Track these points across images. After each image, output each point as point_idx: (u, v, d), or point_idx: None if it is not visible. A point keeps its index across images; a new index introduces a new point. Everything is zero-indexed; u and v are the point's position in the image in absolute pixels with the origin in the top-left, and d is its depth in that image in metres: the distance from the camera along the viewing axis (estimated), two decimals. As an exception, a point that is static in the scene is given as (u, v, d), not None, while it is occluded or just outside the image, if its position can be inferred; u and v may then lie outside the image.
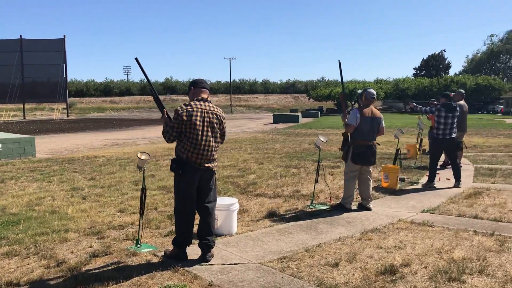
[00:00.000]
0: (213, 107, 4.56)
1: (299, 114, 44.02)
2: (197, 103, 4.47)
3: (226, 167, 11.19)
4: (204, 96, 4.55)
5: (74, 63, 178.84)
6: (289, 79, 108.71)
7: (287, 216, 6.25)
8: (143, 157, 4.79)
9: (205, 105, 4.50)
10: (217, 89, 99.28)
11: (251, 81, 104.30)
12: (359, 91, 6.71)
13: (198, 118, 4.40)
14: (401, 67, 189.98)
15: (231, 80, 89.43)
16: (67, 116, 62.13)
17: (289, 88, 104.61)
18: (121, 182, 9.15)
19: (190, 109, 4.39)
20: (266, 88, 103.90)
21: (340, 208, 6.59)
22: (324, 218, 6.08)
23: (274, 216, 6.26)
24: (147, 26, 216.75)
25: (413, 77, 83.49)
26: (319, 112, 55.04)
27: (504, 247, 4.72)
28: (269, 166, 11.28)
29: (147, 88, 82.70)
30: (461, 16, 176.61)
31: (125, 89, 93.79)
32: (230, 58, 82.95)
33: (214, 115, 4.55)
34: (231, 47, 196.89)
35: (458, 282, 3.84)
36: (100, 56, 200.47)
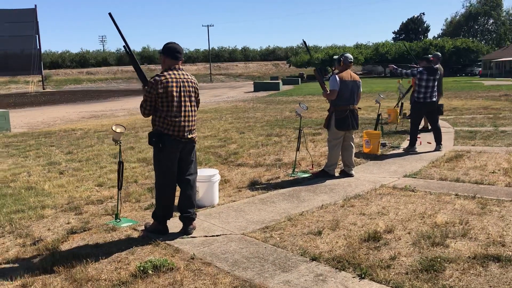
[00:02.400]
0: (187, 75, 4.38)
1: (280, 81, 43.60)
2: (170, 72, 4.26)
3: (207, 137, 11.05)
4: (177, 65, 4.34)
5: (48, 34, 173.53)
6: (269, 46, 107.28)
7: (269, 185, 6.18)
8: (118, 130, 4.61)
9: (179, 74, 4.30)
10: (195, 57, 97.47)
11: (230, 48, 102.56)
12: (335, 56, 6.64)
13: (175, 88, 4.21)
14: (380, 31, 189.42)
15: (210, 48, 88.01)
16: (43, 89, 60.53)
17: (269, 55, 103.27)
18: (100, 156, 8.95)
19: (165, 80, 4.18)
20: (246, 55, 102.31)
21: (323, 175, 6.54)
22: (306, 186, 6.03)
23: (256, 185, 6.19)
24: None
25: (392, 41, 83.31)
26: (299, 79, 54.67)
27: (485, 209, 4.74)
28: (250, 135, 11.17)
29: (123, 57, 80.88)
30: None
31: (101, 60, 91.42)
32: (208, 25, 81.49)
33: (190, 83, 4.37)
34: (209, 13, 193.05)
35: (441, 246, 3.83)
36: (74, 26, 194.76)
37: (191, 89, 4.38)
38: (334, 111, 6.36)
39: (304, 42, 6.87)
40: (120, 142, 4.70)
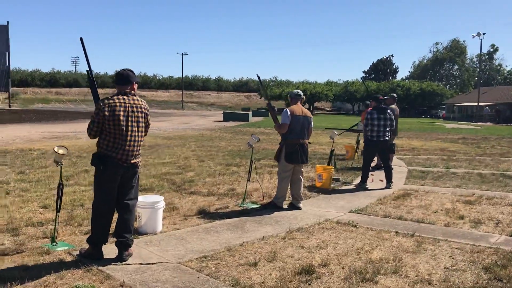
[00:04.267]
0: (138, 100, 4.44)
1: (250, 112, 44.12)
2: (120, 97, 4.33)
3: (166, 164, 10.99)
4: (129, 90, 4.40)
5: (19, 51, 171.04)
6: (242, 77, 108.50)
7: (217, 214, 6.18)
8: (60, 152, 4.58)
9: (129, 99, 4.36)
10: (168, 84, 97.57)
11: (204, 77, 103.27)
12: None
13: (122, 113, 4.26)
14: (351, 69, 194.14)
15: (183, 76, 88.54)
16: (9, 107, 59.22)
17: (242, 86, 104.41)
18: (52, 177, 8.76)
19: (113, 104, 4.25)
20: (219, 85, 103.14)
21: (272, 206, 6.60)
22: (253, 217, 6.06)
23: (203, 214, 6.17)
24: (96, 17, 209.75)
25: (362, 80, 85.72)
26: (270, 111, 55.36)
27: (421, 248, 4.86)
28: (210, 163, 11.18)
29: (95, 79, 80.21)
30: (409, 22, 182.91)
31: (72, 81, 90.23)
32: (182, 54, 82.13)
33: (139, 109, 4.43)
34: (184, 42, 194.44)
35: (371, 282, 3.90)
36: (47, 46, 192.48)
37: (139, 114, 4.43)
38: (285, 144, 6.49)
39: (258, 77, 7.10)
40: (61, 164, 4.66)
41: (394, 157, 11.62)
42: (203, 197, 7.32)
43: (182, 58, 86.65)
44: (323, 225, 5.72)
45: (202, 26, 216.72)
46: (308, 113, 6.64)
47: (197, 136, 20.38)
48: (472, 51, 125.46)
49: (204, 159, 12.07)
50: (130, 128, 4.32)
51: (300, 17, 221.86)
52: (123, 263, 4.25)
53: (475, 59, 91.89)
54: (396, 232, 5.44)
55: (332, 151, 9.08)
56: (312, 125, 6.71)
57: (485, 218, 6.14)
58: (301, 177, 6.70)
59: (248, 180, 7.05)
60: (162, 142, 16.57)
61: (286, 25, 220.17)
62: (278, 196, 6.62)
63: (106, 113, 4.20)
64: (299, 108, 6.55)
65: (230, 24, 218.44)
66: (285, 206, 6.63)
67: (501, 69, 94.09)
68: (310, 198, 7.38)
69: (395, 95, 10.54)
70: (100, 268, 4.09)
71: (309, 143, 6.74)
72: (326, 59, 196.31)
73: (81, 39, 4.50)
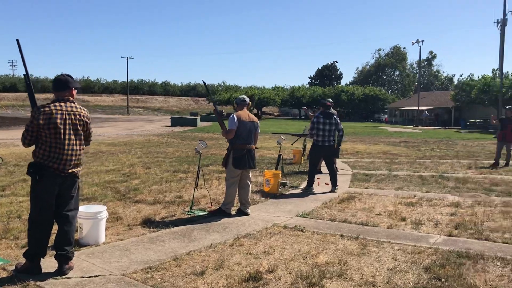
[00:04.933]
0: (76, 107, 4.26)
1: (198, 117, 43.75)
2: (57, 104, 4.15)
3: (109, 171, 10.67)
4: (65, 96, 4.23)
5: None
6: (190, 82, 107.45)
7: (163, 223, 6.04)
8: (-7, 161, 4.32)
9: (66, 106, 4.18)
10: (113, 88, 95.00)
11: (150, 81, 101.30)
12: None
13: (58, 121, 4.08)
14: (298, 75, 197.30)
15: (129, 80, 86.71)
16: None
17: (190, 91, 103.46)
18: (-14, 188, 8.28)
19: (48, 111, 4.06)
20: (166, 89, 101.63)
21: (220, 213, 6.55)
22: (201, 225, 5.99)
23: (149, 223, 6.02)
24: (35, 19, 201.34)
25: (308, 86, 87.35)
26: (218, 116, 55.16)
27: (365, 250, 4.97)
28: (156, 170, 10.96)
29: (35, 83, 77.15)
30: (353, 29, 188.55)
31: (9, 85, 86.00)
32: (127, 57, 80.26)
33: (78, 116, 4.25)
34: (129, 46, 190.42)
35: (317, 287, 3.94)
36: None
37: (78, 122, 4.26)
38: (232, 150, 6.47)
39: (204, 82, 7.09)
40: (-5, 175, 4.40)
41: (338, 160, 11.89)
42: (148, 205, 7.15)
43: (127, 62, 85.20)
44: (271, 230, 5.74)
45: (148, 30, 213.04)
46: (255, 119, 6.67)
47: (143, 142, 19.97)
48: (412, 57, 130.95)
49: (150, 166, 11.82)
50: (67, 136, 4.15)
51: (247, 23, 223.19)
52: (64, 277, 4.06)
53: (415, 65, 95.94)
54: (341, 235, 5.54)
55: (279, 155, 9.16)
56: (259, 130, 6.74)
57: (425, 219, 6.38)
58: (249, 182, 6.70)
59: (196, 186, 6.97)
60: (106, 149, 16.09)
61: (233, 30, 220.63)
62: (226, 202, 6.58)
63: (41, 121, 4.02)
64: (246, 114, 6.57)
65: (177, 28, 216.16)
66: (233, 212, 6.60)
67: (439, 74, 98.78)
68: (258, 203, 7.39)
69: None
70: (38, 283, 3.89)
71: (256, 148, 6.76)
72: (274, 65, 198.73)
73: (17, 41, 4.29)
